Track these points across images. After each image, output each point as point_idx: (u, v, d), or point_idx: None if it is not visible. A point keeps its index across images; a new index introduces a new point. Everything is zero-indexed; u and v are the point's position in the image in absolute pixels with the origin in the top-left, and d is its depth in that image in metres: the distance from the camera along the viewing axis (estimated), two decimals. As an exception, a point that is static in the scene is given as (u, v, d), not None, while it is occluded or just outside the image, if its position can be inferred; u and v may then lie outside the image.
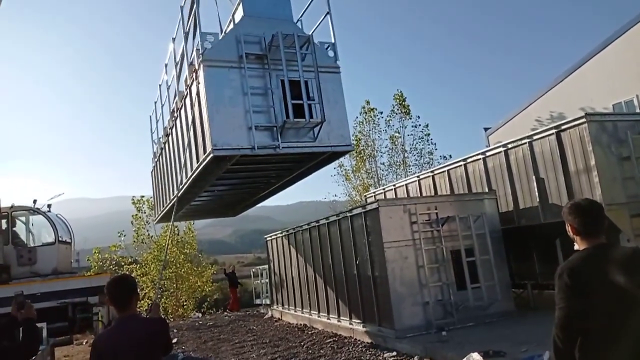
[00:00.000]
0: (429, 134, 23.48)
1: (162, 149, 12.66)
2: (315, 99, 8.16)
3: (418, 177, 14.11)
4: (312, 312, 12.51)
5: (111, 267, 24.62)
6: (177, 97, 10.18)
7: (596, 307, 2.34)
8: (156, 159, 13.92)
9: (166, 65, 11.22)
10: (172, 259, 25.04)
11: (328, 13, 8.74)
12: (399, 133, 23.72)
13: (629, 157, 8.53)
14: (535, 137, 9.64)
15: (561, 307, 2.40)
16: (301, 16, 9.53)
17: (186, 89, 9.19)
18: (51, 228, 12.31)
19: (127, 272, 24.52)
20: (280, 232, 15.19)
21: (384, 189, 16.62)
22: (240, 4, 8.68)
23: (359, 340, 9.68)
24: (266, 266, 17.44)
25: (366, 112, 24.12)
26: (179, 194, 10.78)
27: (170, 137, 11.32)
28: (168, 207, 12.65)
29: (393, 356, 8.09)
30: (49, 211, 12.83)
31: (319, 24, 9.05)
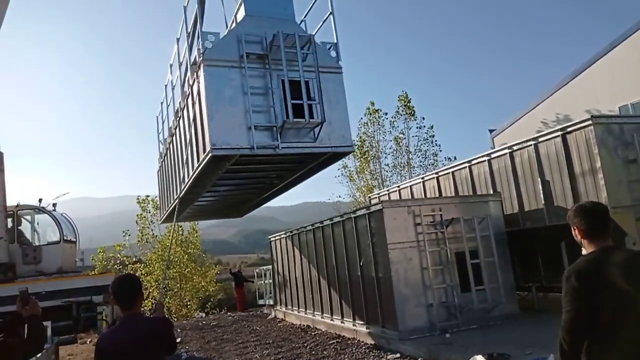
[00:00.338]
0: (433, 136, 23.46)
1: (167, 149, 12.71)
2: (316, 99, 8.13)
3: (422, 178, 14.08)
4: (315, 313, 12.50)
5: (115, 266, 24.73)
6: (180, 97, 10.21)
7: (603, 310, 2.33)
8: (162, 159, 13.97)
9: (171, 66, 11.27)
10: (176, 259, 25.13)
11: (331, 13, 8.73)
12: (403, 134, 23.71)
13: (635, 160, 8.49)
14: (540, 139, 9.61)
15: (568, 310, 2.38)
16: (305, 16, 9.54)
17: (189, 89, 9.21)
18: (56, 227, 12.38)
19: (131, 272, 24.64)
20: (284, 232, 15.19)
21: (388, 190, 16.60)
22: (242, 4, 8.68)
23: (362, 342, 9.67)
24: (270, 267, 17.45)
25: (371, 113, 24.11)
26: (181, 194, 10.81)
27: (174, 137, 11.36)
28: (172, 207, 12.69)
29: (396, 358, 8.07)
30: (55, 210, 12.90)
31: (322, 24, 9.04)
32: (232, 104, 7.85)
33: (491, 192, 10.73)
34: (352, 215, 10.39)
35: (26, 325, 3.48)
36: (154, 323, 3.12)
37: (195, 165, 8.81)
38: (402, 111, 23.66)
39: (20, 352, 3.21)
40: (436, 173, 13.51)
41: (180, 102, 10.27)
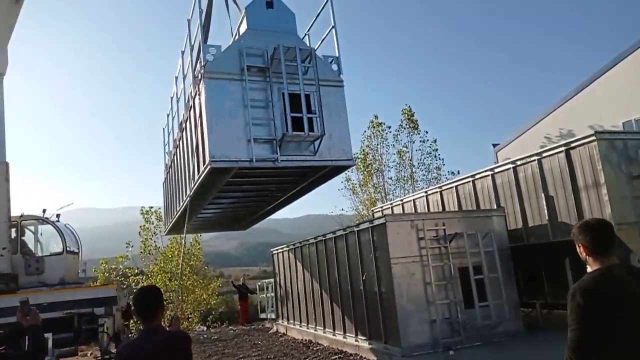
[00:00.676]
0: (437, 149, 23.48)
1: (171, 160, 12.77)
2: (317, 112, 8.14)
3: (426, 192, 14.07)
4: (317, 327, 12.41)
5: (117, 278, 24.67)
6: (184, 109, 10.30)
7: (610, 328, 2.31)
8: (167, 171, 14.04)
9: (176, 78, 11.38)
10: (178, 271, 25.08)
11: (333, 27, 8.79)
12: (406, 148, 23.74)
13: (639, 176, 8.46)
14: (544, 155, 9.61)
15: (574, 328, 2.36)
16: (308, 30, 9.63)
17: (191, 101, 9.29)
18: (60, 238, 12.39)
19: (146, 283, 24.56)
20: (286, 245, 15.15)
21: (391, 204, 16.58)
22: (245, 18, 8.78)
23: (364, 358, 9.57)
24: (272, 280, 17.38)
25: (374, 127, 24.18)
26: (184, 206, 10.81)
27: (178, 149, 11.42)
28: (175, 218, 12.70)
29: (399, 374, 7.99)
30: (58, 221, 12.92)
31: (324, 38, 9.12)
32: (232, 116, 7.88)
33: (495, 207, 10.70)
34: (356, 229, 10.36)
35: (27, 336, 3.47)
36: (173, 337, 3.11)
37: (196, 177, 8.84)
38: (406, 125, 23.74)
39: None
40: (439, 187, 13.51)
41: (184, 114, 10.35)
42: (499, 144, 20.93)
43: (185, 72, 10.05)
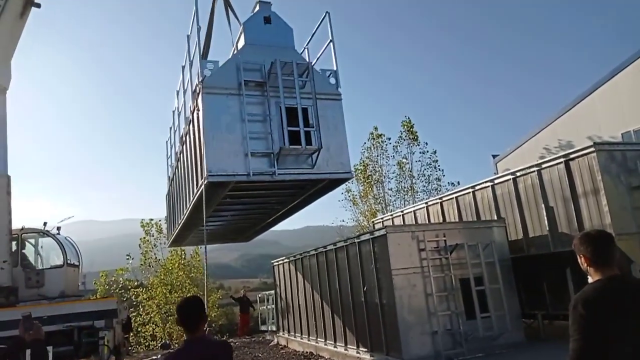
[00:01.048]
0: (436, 160, 23.57)
1: (174, 173, 12.83)
2: (314, 126, 8.19)
3: (426, 203, 14.09)
4: (318, 339, 12.35)
5: (117, 290, 24.56)
6: (184, 123, 10.36)
7: (612, 339, 2.32)
8: (169, 183, 14.09)
9: (177, 92, 11.47)
10: (179, 283, 24.97)
11: (331, 41, 8.91)
12: (406, 159, 23.83)
13: (639, 187, 8.49)
14: (544, 166, 9.65)
15: (576, 339, 2.37)
16: (307, 44, 9.73)
17: (191, 115, 9.35)
18: (60, 251, 12.36)
19: (146, 296, 24.46)
20: (286, 257, 15.13)
21: (392, 215, 16.58)
22: (243, 33, 8.87)
23: (366, 370, 9.52)
24: (273, 292, 17.31)
25: (374, 138, 24.29)
26: (185, 219, 10.82)
27: (180, 162, 11.47)
28: (178, 231, 12.70)
29: (401, 387, 7.94)
30: (59, 233, 12.91)
31: (322, 52, 9.21)
32: (230, 131, 7.93)
33: (495, 217, 10.72)
34: (356, 240, 10.37)
35: (28, 350, 3.47)
36: (217, 346, 3.14)
37: (195, 190, 8.87)
38: (406, 136, 23.85)
39: None
40: (440, 198, 13.53)
41: (184, 128, 10.41)
42: (498, 155, 20.99)
43: (185, 87, 10.15)
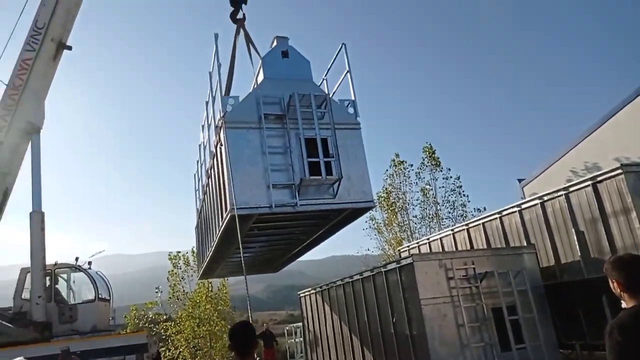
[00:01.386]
0: (460, 186, 23.31)
1: (201, 206, 13.07)
2: (334, 156, 8.27)
3: (452, 230, 13.91)
4: (348, 372, 12.14)
5: (147, 324, 24.70)
6: (209, 157, 10.63)
7: None
8: (198, 216, 14.34)
9: (202, 127, 11.81)
10: (206, 317, 24.96)
11: (348, 72, 9.09)
12: (430, 185, 23.65)
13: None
14: (571, 189, 9.48)
15: None
16: (326, 75, 9.96)
17: (215, 149, 9.58)
18: (92, 285, 12.59)
19: (175, 330, 24.53)
20: (313, 288, 15.05)
21: (417, 243, 16.40)
22: (262, 67, 9.14)
23: (398, 404, 9.29)
24: (300, 324, 17.16)
25: (396, 165, 24.27)
26: (212, 252, 10.94)
27: (206, 195, 11.70)
28: (207, 263, 12.86)
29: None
30: (90, 268, 13.18)
31: (340, 83, 9.39)
32: (251, 164, 8.09)
33: (524, 243, 10.51)
34: (383, 270, 10.28)
35: None
36: None
37: (221, 223, 9.01)
38: (428, 162, 23.75)
39: None
40: (466, 225, 13.34)
41: (209, 162, 10.67)
42: (524, 179, 20.67)
43: (209, 122, 10.46)
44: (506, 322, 8.89)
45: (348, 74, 9.14)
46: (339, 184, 8.25)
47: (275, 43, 9.38)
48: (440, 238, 14.46)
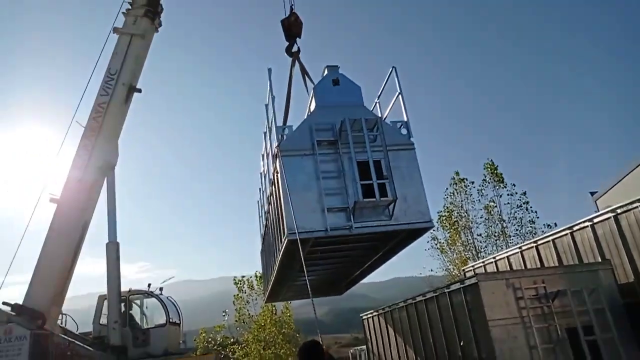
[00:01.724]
0: (527, 202, 22.26)
1: (264, 232, 13.44)
2: (388, 177, 8.23)
3: (520, 248, 13.31)
4: (415, 397, 11.79)
5: (215, 347, 25.36)
6: (269, 184, 10.96)
7: None
8: (262, 241, 14.74)
9: (262, 156, 12.21)
10: (271, 339, 25.25)
11: (399, 94, 9.11)
12: (494, 202, 22.80)
13: None
14: (647, 200, 8.85)
15: None
16: (378, 98, 10.05)
17: (273, 177, 9.87)
18: (163, 310, 13.18)
19: (241, 353, 25.03)
20: (375, 310, 14.87)
21: (483, 262, 15.80)
22: (314, 96, 9.40)
23: None
24: (364, 347, 16.94)
25: (456, 183, 23.69)
26: (275, 275, 11.15)
27: (268, 221, 12.02)
28: (271, 286, 13.12)
29: None
30: (161, 294, 13.82)
31: (392, 105, 9.43)
32: (307, 189, 8.24)
33: (599, 259, 9.87)
34: (446, 290, 10.02)
35: None
36: None
37: (280, 248, 9.20)
38: (490, 179, 22.98)
39: None
40: (535, 242, 12.72)
41: (269, 189, 11.00)
42: (597, 192, 19.48)
43: (268, 151, 10.83)
44: (582, 343, 8.34)
45: (399, 97, 9.18)
46: (394, 205, 8.21)
47: (326, 72, 9.64)
48: (508, 256, 13.87)
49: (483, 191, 22.99)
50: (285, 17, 10.63)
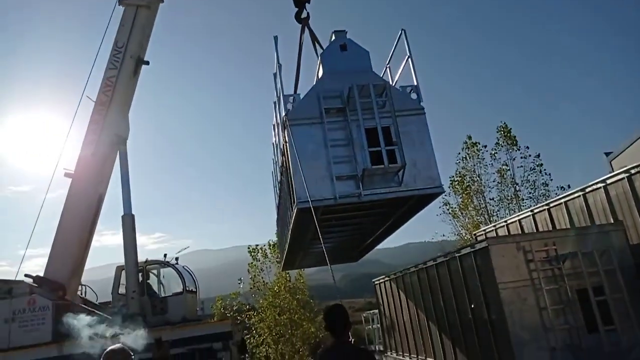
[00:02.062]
0: (541, 164, 22.01)
1: (279, 201, 13.55)
2: (396, 143, 8.11)
3: (532, 211, 13.26)
4: (427, 359, 12.07)
5: (232, 314, 26.08)
6: (280, 154, 10.96)
7: None
8: (277, 211, 14.90)
9: (273, 126, 12.19)
10: (286, 305, 25.85)
11: (409, 57, 8.87)
12: (507, 165, 22.58)
13: None
14: (663, 160, 8.71)
15: None
16: (388, 63, 9.83)
17: (283, 147, 9.86)
18: (179, 279, 13.53)
19: (257, 319, 25.74)
20: (387, 275, 15.08)
21: (494, 226, 15.82)
22: (321, 63, 9.22)
23: (480, 390, 9.13)
24: (377, 311, 17.28)
25: (468, 147, 23.45)
26: (288, 244, 11.30)
27: (281, 191, 12.11)
28: (285, 255, 13.33)
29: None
30: (177, 264, 14.16)
31: (402, 68, 9.21)
32: (315, 157, 8.17)
33: (611, 221, 9.81)
34: (457, 255, 10.09)
35: None
36: (362, 353, 3.53)
37: (291, 217, 9.28)
38: (503, 142, 22.69)
39: None
40: (547, 204, 12.66)
41: (281, 159, 11.02)
42: (612, 152, 19.15)
43: (278, 121, 10.78)
44: (593, 303, 8.40)
45: (409, 60, 8.97)
46: (403, 172, 8.15)
47: (333, 37, 9.42)
48: (519, 220, 13.85)
49: (496, 155, 22.77)
50: None
